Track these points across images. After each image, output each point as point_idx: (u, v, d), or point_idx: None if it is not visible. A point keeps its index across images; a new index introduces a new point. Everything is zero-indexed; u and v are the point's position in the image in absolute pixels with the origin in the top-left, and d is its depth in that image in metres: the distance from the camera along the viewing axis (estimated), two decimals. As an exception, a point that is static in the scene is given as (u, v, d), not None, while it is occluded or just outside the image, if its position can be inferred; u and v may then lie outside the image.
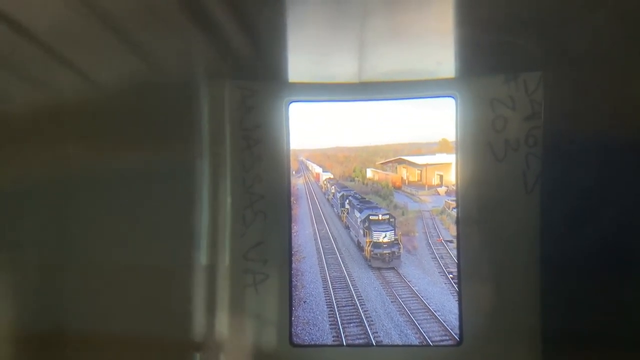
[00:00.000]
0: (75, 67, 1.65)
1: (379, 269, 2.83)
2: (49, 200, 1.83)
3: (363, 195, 3.18)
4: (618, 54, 1.66)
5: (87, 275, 1.85)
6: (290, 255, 1.96)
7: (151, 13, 1.34)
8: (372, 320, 2.43)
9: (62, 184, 1.84)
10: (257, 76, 1.90)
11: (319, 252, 2.97)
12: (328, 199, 3.48)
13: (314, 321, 2.40)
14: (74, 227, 1.85)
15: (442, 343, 2.24)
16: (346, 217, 3.26)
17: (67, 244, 1.85)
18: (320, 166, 3.48)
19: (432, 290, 2.64)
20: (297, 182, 3.37)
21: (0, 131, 1.73)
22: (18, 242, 1.82)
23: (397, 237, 2.91)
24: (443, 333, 2.29)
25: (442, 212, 2.94)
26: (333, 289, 2.68)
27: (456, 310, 1.91)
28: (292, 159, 1.99)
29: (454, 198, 1.95)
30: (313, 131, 2.56)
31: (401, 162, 3.10)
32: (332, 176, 3.40)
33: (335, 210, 3.38)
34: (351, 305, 2.55)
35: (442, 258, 2.82)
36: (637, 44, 1.58)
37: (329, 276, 2.77)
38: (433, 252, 2.88)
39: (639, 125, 1.69)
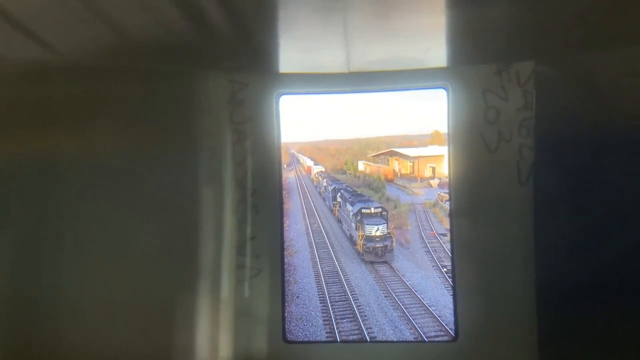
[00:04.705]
0: (56, 50, 1.61)
1: (371, 262, 2.82)
2: (30, 191, 1.81)
3: (355, 188, 3.18)
4: (611, 44, 1.65)
5: (78, 272, 1.84)
6: (282, 250, 1.94)
7: (139, 3, 1.31)
8: (365, 316, 2.43)
9: (43, 173, 1.82)
10: (247, 68, 1.88)
11: (311, 247, 2.97)
12: (320, 192, 3.47)
13: (307, 317, 2.40)
14: (53, 211, 1.83)
15: (437, 339, 2.23)
16: (338, 210, 3.25)
17: (47, 228, 1.84)
18: (312, 159, 3.48)
19: (425, 285, 2.63)
20: (289, 176, 3.37)
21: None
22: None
23: (389, 230, 2.90)
24: (438, 328, 2.29)
25: (434, 204, 2.94)
26: (326, 283, 2.67)
27: (451, 305, 1.89)
28: (283, 152, 1.97)
29: (447, 190, 1.94)
30: (304, 124, 2.54)
31: (393, 154, 3.09)
32: (323, 169, 3.40)
33: (327, 204, 3.37)
34: (344, 300, 2.54)
35: (436, 251, 2.82)
36: (630, 34, 1.57)
37: (322, 271, 2.77)
38: (426, 246, 2.88)
39: (632, 115, 1.68)
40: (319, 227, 3.18)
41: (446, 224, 2.24)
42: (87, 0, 1.30)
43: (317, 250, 2.94)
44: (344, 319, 2.41)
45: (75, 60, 1.72)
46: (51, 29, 1.50)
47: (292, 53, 1.77)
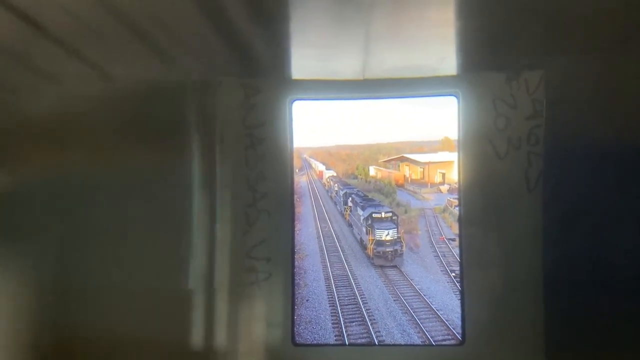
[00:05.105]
0: (83, 59, 1.65)
1: (381, 267, 2.83)
2: (53, 204, 1.85)
3: (366, 193, 3.18)
4: (620, 53, 1.66)
5: (90, 269, 1.87)
6: (293, 253, 1.96)
7: (161, 10, 1.33)
8: (374, 319, 2.44)
9: (68, 180, 1.85)
10: (260, 74, 1.90)
11: (321, 250, 2.98)
12: (331, 197, 3.48)
13: (317, 320, 2.41)
14: (78, 217, 1.87)
15: (444, 342, 2.24)
16: (349, 215, 3.26)
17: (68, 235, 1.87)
18: (324, 164, 3.48)
19: (434, 289, 2.64)
20: (300, 180, 3.38)
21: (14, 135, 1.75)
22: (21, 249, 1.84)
23: (399, 235, 2.91)
24: (445, 332, 2.29)
25: (444, 210, 2.94)
26: (336, 287, 2.68)
27: (458, 309, 1.91)
28: (295, 156, 1.99)
29: (456, 196, 1.95)
30: (316, 129, 2.56)
31: (404, 160, 3.10)
32: (335, 174, 3.40)
33: (338, 208, 3.38)
34: (354, 304, 2.55)
35: (445, 256, 2.82)
36: (638, 43, 1.58)
37: (332, 274, 2.78)
38: (435, 250, 2.88)
39: (640, 122, 1.69)
40: (330, 231, 3.18)
41: (455, 229, 2.24)
42: (132, 29, 1.34)
43: (327, 254, 2.95)
44: (353, 322, 2.41)
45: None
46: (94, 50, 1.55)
47: (306, 60, 1.80)
